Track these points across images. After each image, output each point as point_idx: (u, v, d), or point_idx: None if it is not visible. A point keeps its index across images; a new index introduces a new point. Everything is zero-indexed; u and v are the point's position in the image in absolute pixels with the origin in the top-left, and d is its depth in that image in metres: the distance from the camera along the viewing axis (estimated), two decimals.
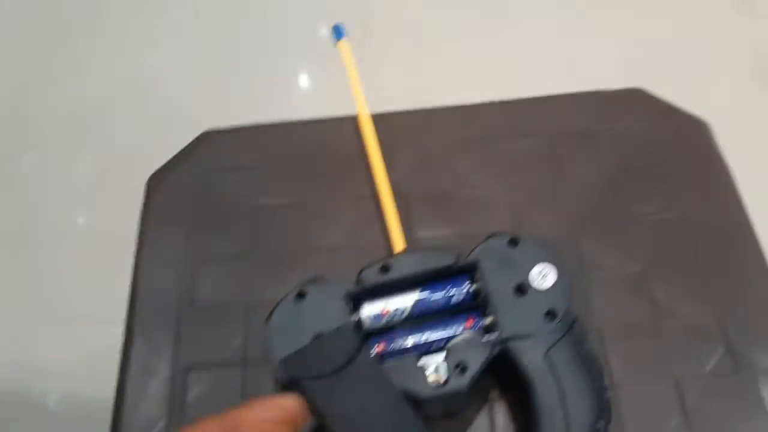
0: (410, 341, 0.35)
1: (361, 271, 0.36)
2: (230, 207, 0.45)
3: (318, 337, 0.34)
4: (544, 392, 0.32)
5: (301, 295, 0.36)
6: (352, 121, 0.47)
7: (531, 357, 0.33)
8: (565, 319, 0.34)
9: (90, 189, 1.25)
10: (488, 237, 0.37)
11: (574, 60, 1.23)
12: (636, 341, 0.38)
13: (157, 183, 0.47)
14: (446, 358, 0.33)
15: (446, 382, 0.33)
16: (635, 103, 0.46)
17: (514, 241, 0.36)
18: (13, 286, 1.17)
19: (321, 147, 0.47)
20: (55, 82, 1.39)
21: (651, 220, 0.42)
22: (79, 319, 1.12)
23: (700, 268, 0.40)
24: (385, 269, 0.36)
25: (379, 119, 0.46)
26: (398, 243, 0.41)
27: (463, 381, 0.33)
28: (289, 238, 0.44)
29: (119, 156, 1.23)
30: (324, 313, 0.35)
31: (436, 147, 0.46)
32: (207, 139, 0.49)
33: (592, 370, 0.33)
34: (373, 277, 0.36)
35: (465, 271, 0.36)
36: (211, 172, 0.47)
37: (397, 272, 0.36)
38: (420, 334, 0.35)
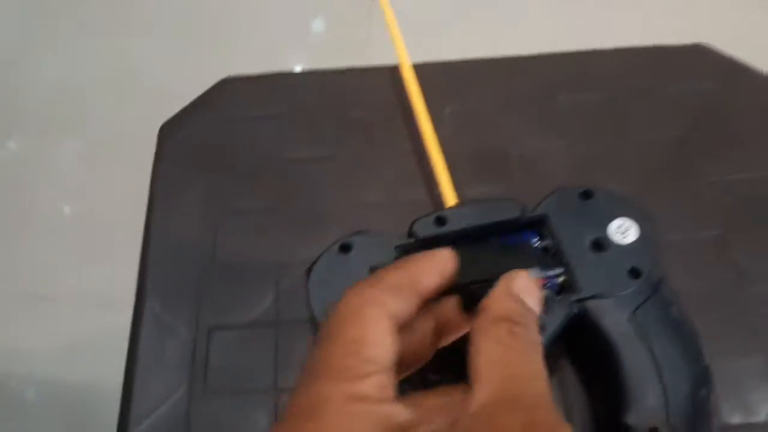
0: None
1: (413, 223, 0.32)
2: (254, 159, 0.40)
3: None
4: (633, 357, 0.28)
5: (345, 248, 0.31)
6: (390, 72, 0.42)
7: (614, 318, 0.29)
8: (651, 278, 0.30)
9: (102, 145, 1.20)
10: (555, 190, 0.33)
11: (635, 13, 1.22)
12: (720, 308, 0.34)
13: (170, 132, 0.42)
14: None
15: None
16: (700, 60, 0.43)
17: (587, 194, 0.32)
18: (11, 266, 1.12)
19: (355, 98, 0.43)
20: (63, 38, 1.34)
21: (724, 181, 0.38)
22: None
23: None
24: (440, 221, 0.32)
25: (420, 69, 0.42)
26: (449, 198, 0.36)
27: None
28: (322, 193, 0.39)
29: (132, 112, 1.18)
30: (371, 267, 0.31)
31: (485, 101, 0.42)
32: (226, 87, 0.44)
33: (686, 334, 0.29)
34: (427, 229, 0.32)
35: (532, 225, 0.32)
36: (231, 121, 0.42)
37: (455, 225, 0.32)
38: None
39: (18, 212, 1.17)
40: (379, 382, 0.20)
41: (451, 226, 0.32)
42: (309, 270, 0.31)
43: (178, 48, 1.32)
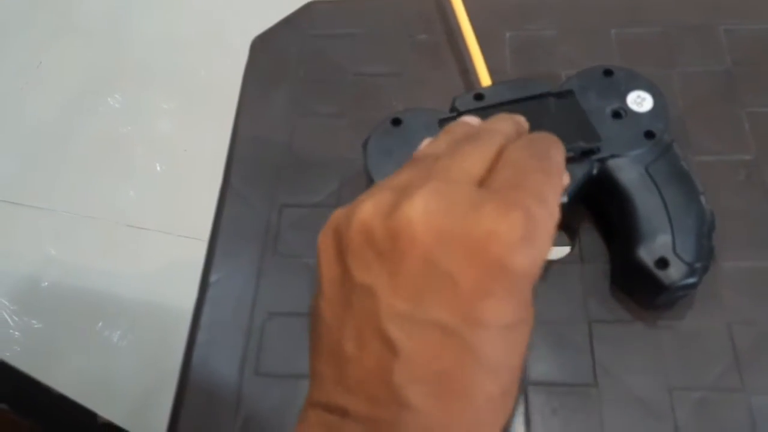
0: None
1: (454, 100, 0.37)
2: (330, 71, 0.46)
3: None
4: (645, 202, 0.33)
5: (396, 122, 0.37)
6: None
7: (630, 172, 0.34)
8: (663, 139, 0.35)
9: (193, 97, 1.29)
10: (581, 70, 0.38)
11: None
12: (747, 224, 0.37)
13: (260, 45, 0.48)
14: None
15: None
16: (757, 1, 0.45)
17: (608, 72, 0.37)
18: (100, 196, 1.23)
19: (422, 22, 0.47)
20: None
21: (763, 112, 0.40)
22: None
23: None
24: (479, 97, 0.36)
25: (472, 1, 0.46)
26: (485, 80, 0.40)
27: (564, 192, 0.31)
28: (387, 103, 0.44)
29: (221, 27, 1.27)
30: (419, 138, 0.35)
31: (543, 29, 0.45)
32: (310, 9, 0.49)
33: (692, 184, 0.34)
34: (467, 103, 0.36)
35: (561, 97, 0.37)
36: (313, 38, 0.47)
37: (492, 99, 0.36)
38: None
39: (117, 156, 1.28)
40: None
41: (489, 101, 0.36)
42: (365, 142, 0.37)
43: None
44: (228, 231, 0.40)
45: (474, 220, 0.20)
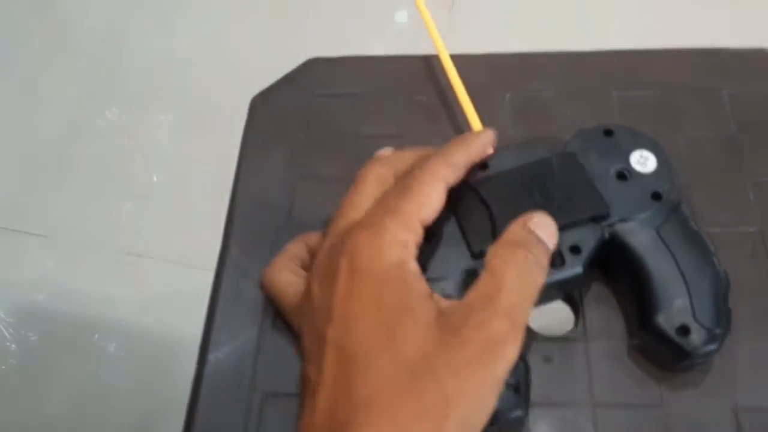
0: None
1: None
2: (331, 132, 0.45)
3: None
4: (660, 267, 0.33)
5: None
6: (456, 59, 0.46)
7: (640, 236, 0.33)
8: (671, 200, 0.34)
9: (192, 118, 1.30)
10: (579, 131, 0.37)
11: (692, 14, 1.21)
12: (754, 297, 0.36)
13: (261, 104, 0.47)
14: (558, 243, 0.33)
15: (562, 265, 0.33)
16: (759, 64, 0.44)
17: (609, 131, 0.37)
18: (104, 225, 1.23)
19: (423, 82, 0.47)
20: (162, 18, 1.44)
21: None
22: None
23: None
24: (483, 166, 0.36)
25: (489, 59, 0.46)
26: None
27: (578, 262, 0.32)
28: None
29: (223, 88, 1.27)
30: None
31: (543, 91, 0.45)
32: (311, 66, 0.49)
33: (705, 245, 0.33)
34: (472, 173, 0.36)
35: (564, 161, 0.36)
36: (314, 97, 0.47)
37: (496, 167, 0.36)
38: None
39: (113, 176, 1.28)
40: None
41: (493, 170, 0.36)
42: None
43: (269, 28, 1.39)
44: (228, 293, 0.39)
45: None
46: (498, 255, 0.29)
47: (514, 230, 0.31)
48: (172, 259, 1.17)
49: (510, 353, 0.27)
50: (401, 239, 0.29)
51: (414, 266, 0.29)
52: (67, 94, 1.38)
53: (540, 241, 0.30)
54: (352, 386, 0.26)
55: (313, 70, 0.49)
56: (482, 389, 0.26)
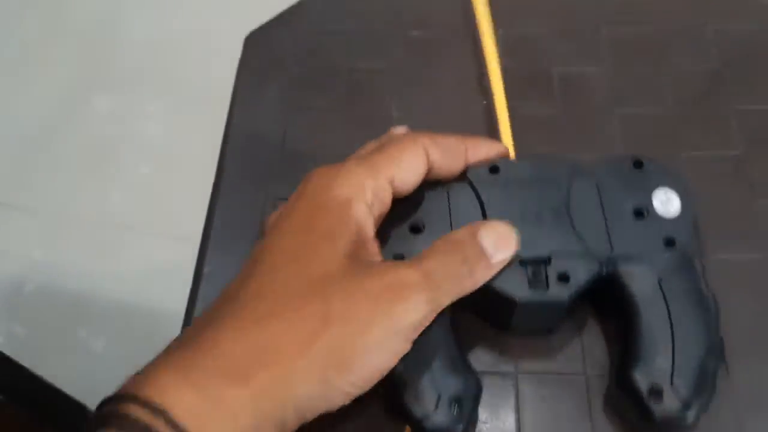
0: None
1: (467, 170, 0.34)
2: (324, 67, 0.46)
3: (414, 229, 0.33)
4: (651, 319, 0.30)
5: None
6: None
7: (642, 283, 0.31)
8: (684, 251, 0.31)
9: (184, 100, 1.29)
10: (606, 156, 0.34)
11: None
12: (731, 218, 0.37)
13: (255, 41, 0.48)
14: (549, 266, 0.31)
15: (546, 289, 0.30)
16: (749, 4, 0.45)
17: (638, 163, 0.34)
18: (94, 199, 1.22)
19: (417, 17, 0.48)
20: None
21: (750, 109, 0.41)
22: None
23: None
24: (494, 170, 0.34)
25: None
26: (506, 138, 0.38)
27: (564, 291, 0.30)
28: (380, 100, 0.44)
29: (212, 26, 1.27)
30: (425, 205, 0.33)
31: (535, 27, 0.46)
32: (305, 5, 0.49)
33: (707, 308, 0.30)
34: (480, 176, 0.34)
35: (581, 186, 0.33)
36: (307, 35, 0.48)
37: (506, 175, 0.33)
38: None
39: (104, 158, 1.27)
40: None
41: (504, 176, 0.33)
42: None
43: None
44: (221, 224, 0.40)
45: None
46: (434, 250, 0.29)
47: (460, 232, 0.30)
48: (162, 233, 1.17)
49: (413, 302, 0.26)
50: (359, 182, 0.29)
51: (361, 210, 0.29)
52: (58, 75, 1.37)
53: (482, 253, 0.29)
54: (255, 290, 0.27)
55: (306, 8, 0.49)
56: (367, 325, 0.25)
